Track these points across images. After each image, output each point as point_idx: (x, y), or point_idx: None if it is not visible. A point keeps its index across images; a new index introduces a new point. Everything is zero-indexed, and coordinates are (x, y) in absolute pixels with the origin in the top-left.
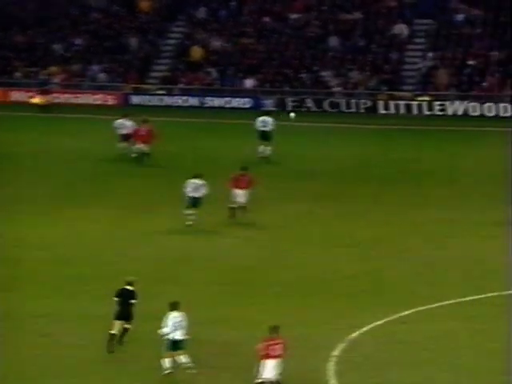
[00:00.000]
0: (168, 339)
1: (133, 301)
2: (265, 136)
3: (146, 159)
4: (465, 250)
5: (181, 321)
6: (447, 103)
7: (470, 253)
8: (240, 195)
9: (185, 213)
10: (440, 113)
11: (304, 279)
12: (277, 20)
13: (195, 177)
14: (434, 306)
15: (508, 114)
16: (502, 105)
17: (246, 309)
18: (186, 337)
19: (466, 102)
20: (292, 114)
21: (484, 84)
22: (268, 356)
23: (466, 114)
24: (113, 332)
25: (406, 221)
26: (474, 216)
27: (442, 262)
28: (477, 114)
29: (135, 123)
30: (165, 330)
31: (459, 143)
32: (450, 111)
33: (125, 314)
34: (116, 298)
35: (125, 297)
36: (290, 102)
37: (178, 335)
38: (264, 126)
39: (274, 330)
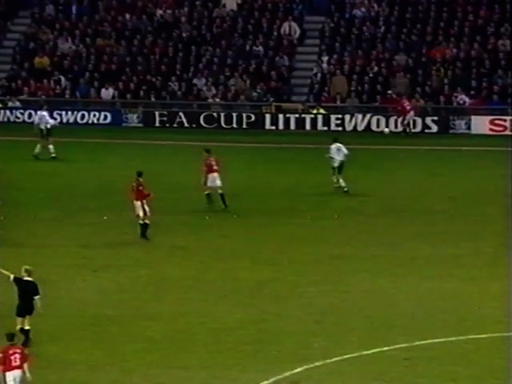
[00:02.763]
0: None
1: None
2: None
3: None
4: (369, 291)
5: None
6: (347, 117)
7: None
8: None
9: None
10: (338, 128)
11: (173, 333)
12: (140, 17)
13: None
14: (332, 360)
15: (418, 130)
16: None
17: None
18: None
19: (368, 115)
20: (386, 130)
21: (389, 93)
22: (8, 368)
23: (369, 129)
24: None
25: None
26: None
27: (342, 307)
28: (380, 129)
29: None
30: None
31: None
32: (349, 126)
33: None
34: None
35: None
36: (157, 115)
37: None
38: None
39: (11, 337)
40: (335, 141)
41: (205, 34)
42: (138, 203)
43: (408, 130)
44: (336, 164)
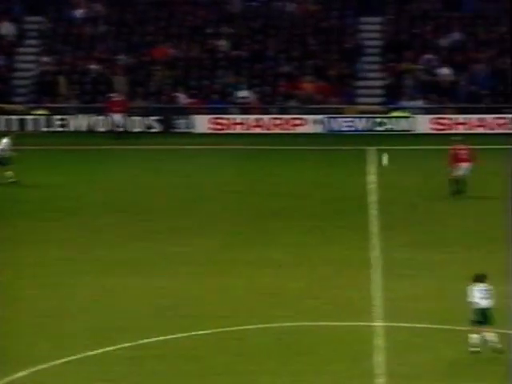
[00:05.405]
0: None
1: None
2: None
3: None
4: (94, 292)
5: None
6: (69, 117)
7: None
8: None
9: None
10: (61, 129)
11: None
12: None
13: None
14: (56, 363)
15: (140, 129)
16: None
17: None
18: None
19: (89, 116)
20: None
21: (113, 95)
22: None
23: (91, 130)
24: None
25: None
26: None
27: (67, 309)
28: (105, 129)
29: None
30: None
31: (82, 165)
32: (72, 127)
33: None
34: None
35: None
36: None
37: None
38: None
39: None
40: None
41: None
42: None
43: (117, 130)
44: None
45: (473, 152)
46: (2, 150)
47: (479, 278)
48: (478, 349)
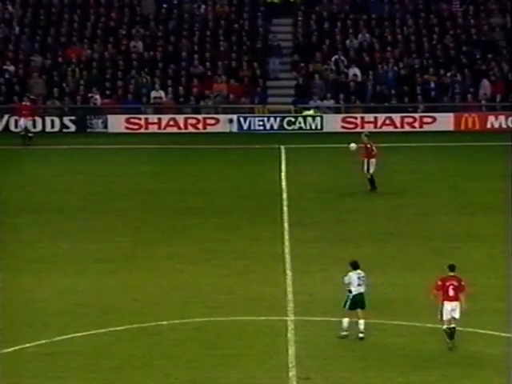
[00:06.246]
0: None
1: None
2: None
3: None
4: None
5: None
6: None
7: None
8: None
9: None
10: None
11: None
12: None
13: None
14: None
15: (56, 129)
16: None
17: None
18: None
19: (3, 117)
20: (353, 145)
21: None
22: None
23: (7, 129)
24: None
25: None
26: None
27: None
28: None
29: None
30: None
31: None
32: None
33: None
34: None
35: None
36: None
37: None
38: None
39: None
40: None
41: None
42: None
43: (24, 134)
44: None
45: (378, 149)
46: None
47: (355, 265)
48: (347, 333)
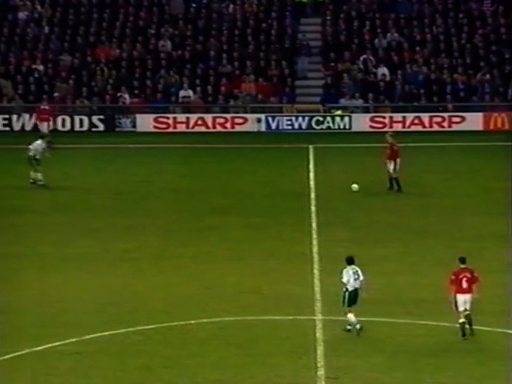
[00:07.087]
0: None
1: None
2: None
3: None
4: (40, 289)
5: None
6: (13, 116)
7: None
8: None
9: None
10: (6, 128)
11: None
12: None
13: None
14: (2, 358)
15: (85, 129)
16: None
17: None
18: None
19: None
20: (354, 186)
21: (56, 94)
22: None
23: (37, 129)
24: None
25: None
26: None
27: (14, 306)
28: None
29: None
30: None
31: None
32: (16, 126)
33: None
34: None
35: None
36: None
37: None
38: None
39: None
40: None
41: None
42: None
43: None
44: None
45: (401, 149)
46: (36, 150)
47: (350, 260)
48: (360, 325)
